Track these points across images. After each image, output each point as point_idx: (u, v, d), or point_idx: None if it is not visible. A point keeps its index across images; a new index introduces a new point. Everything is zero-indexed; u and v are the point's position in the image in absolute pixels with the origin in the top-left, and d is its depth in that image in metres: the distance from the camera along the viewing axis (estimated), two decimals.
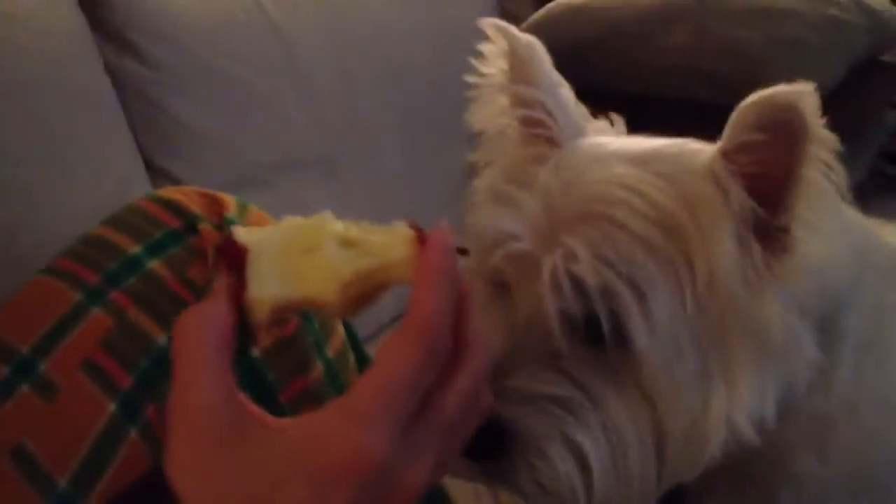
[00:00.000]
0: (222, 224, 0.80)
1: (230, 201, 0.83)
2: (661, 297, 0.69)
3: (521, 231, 0.73)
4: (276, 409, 0.76)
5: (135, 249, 0.77)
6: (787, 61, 1.59)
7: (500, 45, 0.83)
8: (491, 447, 0.68)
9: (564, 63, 1.87)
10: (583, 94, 1.89)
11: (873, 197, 1.94)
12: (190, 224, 0.79)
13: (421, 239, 0.54)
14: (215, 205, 0.82)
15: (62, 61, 1.28)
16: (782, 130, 0.67)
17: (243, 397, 0.54)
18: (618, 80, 1.80)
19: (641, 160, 0.73)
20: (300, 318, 0.79)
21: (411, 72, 1.77)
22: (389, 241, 0.54)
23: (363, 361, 0.86)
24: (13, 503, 0.67)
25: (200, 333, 0.53)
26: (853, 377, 0.79)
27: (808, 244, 0.69)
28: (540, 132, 0.81)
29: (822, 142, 0.67)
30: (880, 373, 0.81)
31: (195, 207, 0.81)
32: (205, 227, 0.79)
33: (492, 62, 0.84)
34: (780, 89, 0.67)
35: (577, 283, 0.69)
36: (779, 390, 0.73)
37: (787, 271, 0.70)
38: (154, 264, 0.77)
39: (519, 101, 0.82)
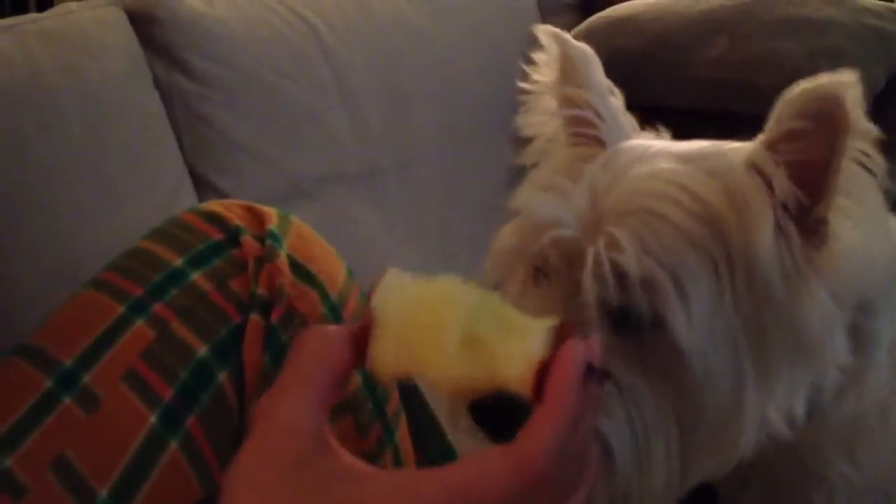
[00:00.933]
0: (264, 236, 0.82)
1: (272, 214, 0.85)
2: (701, 291, 0.70)
3: (568, 218, 0.73)
4: None
5: (177, 262, 0.79)
6: (826, 72, 1.58)
7: (552, 52, 0.85)
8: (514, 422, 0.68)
9: (610, 75, 1.87)
10: (630, 108, 1.90)
11: None
12: (232, 236, 0.81)
13: (556, 349, 0.51)
14: (257, 217, 0.83)
15: (114, 78, 1.32)
16: (824, 120, 0.68)
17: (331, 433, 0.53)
18: (662, 92, 1.80)
19: (685, 158, 0.75)
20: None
21: (456, 88, 1.79)
22: (515, 352, 0.51)
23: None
24: None
25: (317, 351, 0.53)
26: (886, 382, 0.80)
27: (846, 236, 0.70)
28: (588, 132, 0.82)
29: (863, 133, 0.68)
30: None
31: (237, 220, 0.82)
32: (246, 238, 0.81)
33: (544, 68, 0.86)
34: (824, 80, 0.69)
35: (619, 273, 0.69)
36: (809, 390, 0.74)
37: (826, 264, 0.70)
38: (196, 276, 0.78)
39: (569, 103, 0.83)
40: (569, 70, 0.84)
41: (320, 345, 0.53)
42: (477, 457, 0.49)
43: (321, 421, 0.52)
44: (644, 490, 0.71)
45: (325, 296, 0.81)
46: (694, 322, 0.69)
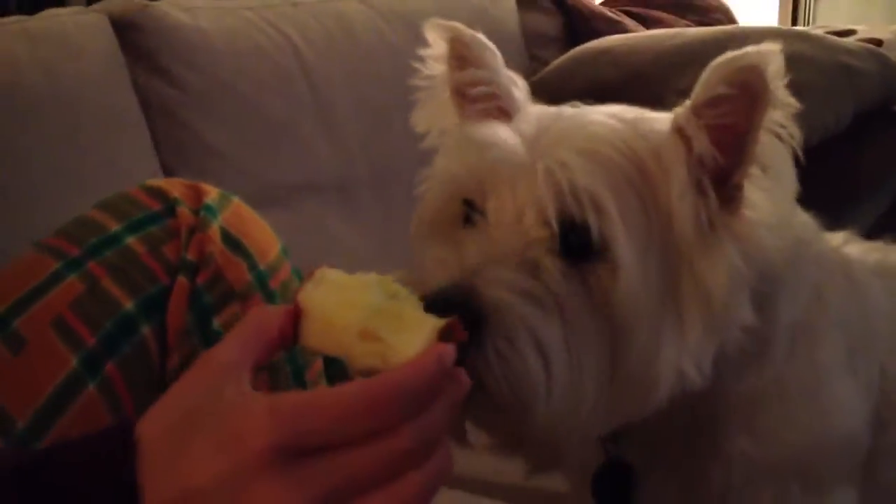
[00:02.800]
0: (200, 209, 0.86)
1: (213, 191, 0.90)
2: (638, 226, 0.73)
3: (514, 137, 0.76)
4: None
5: (115, 227, 0.84)
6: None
7: (440, 46, 0.88)
8: (470, 324, 0.66)
9: (588, 104, 1.92)
10: None
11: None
12: (170, 207, 0.86)
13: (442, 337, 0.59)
14: (196, 193, 0.88)
15: (93, 80, 1.38)
16: (745, 89, 0.72)
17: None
18: None
19: (615, 115, 0.79)
20: (262, 294, 0.85)
21: None
22: (408, 341, 0.59)
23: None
24: None
25: (256, 320, 0.60)
26: (784, 361, 0.83)
27: (759, 205, 0.74)
28: (490, 106, 0.85)
29: (782, 104, 0.73)
30: (811, 361, 0.84)
31: (175, 193, 0.87)
32: (182, 210, 0.86)
33: (434, 63, 0.88)
34: (748, 50, 0.73)
35: (571, 184, 0.72)
36: (715, 354, 0.77)
37: (739, 228, 0.74)
38: (131, 240, 0.83)
39: (467, 83, 0.86)
40: (463, 54, 0.87)
41: (259, 316, 0.60)
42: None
43: (245, 368, 0.57)
44: (573, 417, 0.72)
45: (253, 266, 0.86)
46: (632, 254, 0.72)
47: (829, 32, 2.10)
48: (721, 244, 0.75)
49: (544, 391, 0.70)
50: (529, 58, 2.15)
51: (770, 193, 0.74)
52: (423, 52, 0.88)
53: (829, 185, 1.71)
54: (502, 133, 0.78)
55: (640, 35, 2.10)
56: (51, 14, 1.42)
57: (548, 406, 0.70)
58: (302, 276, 0.92)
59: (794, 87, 1.75)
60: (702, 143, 0.74)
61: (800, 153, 0.75)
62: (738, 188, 0.75)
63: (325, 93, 1.66)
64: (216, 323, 0.83)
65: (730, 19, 2.54)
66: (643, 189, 0.75)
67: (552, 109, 0.83)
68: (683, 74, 1.82)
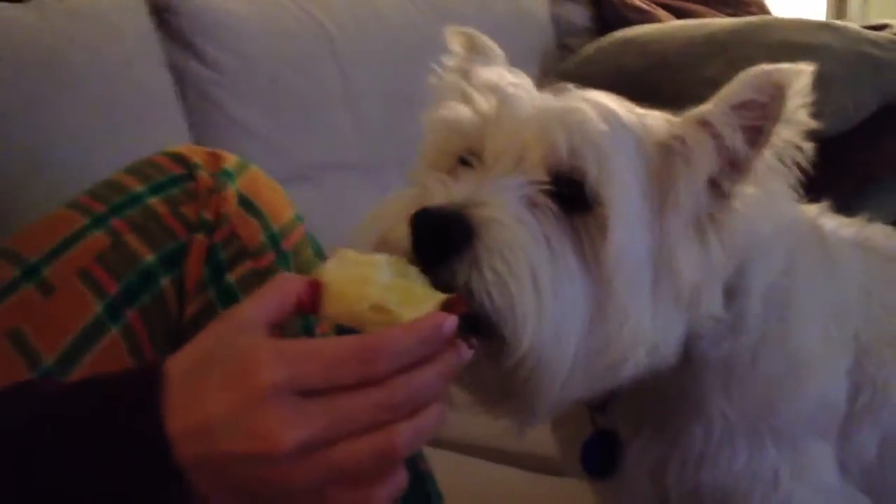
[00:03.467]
0: (218, 173, 0.92)
1: (231, 158, 0.95)
2: (631, 194, 0.77)
3: (528, 87, 0.81)
4: None
5: (139, 188, 0.90)
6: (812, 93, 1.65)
7: (457, 52, 0.93)
8: (456, 240, 0.71)
9: (614, 92, 1.96)
10: None
11: None
12: (190, 171, 0.92)
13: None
14: (216, 159, 0.94)
15: (130, 58, 1.45)
16: (770, 100, 0.77)
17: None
18: (661, 109, 1.88)
19: (625, 105, 0.83)
20: (275, 254, 0.90)
21: None
22: (415, 312, 0.64)
23: None
24: (6, 373, 0.80)
25: (278, 285, 0.65)
26: (758, 328, 0.86)
27: (748, 203, 0.79)
28: None
29: (795, 123, 0.77)
30: (787, 328, 0.88)
31: (196, 159, 0.93)
32: (202, 174, 0.91)
33: (452, 62, 0.93)
34: (780, 66, 0.78)
35: (577, 134, 0.76)
36: (688, 334, 0.82)
37: (725, 223, 0.79)
38: (153, 200, 0.89)
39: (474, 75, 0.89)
40: (475, 53, 0.92)
41: (282, 282, 0.66)
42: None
43: (260, 323, 0.63)
44: (556, 354, 0.74)
45: (266, 226, 0.91)
46: (623, 215, 0.76)
47: (863, 26, 2.12)
48: (705, 235, 0.79)
49: (534, 314, 0.72)
50: (559, 47, 2.19)
51: (762, 194, 0.79)
52: (443, 59, 0.93)
53: (849, 174, 1.74)
54: (516, 80, 0.82)
55: (667, 25, 2.13)
56: None
57: (535, 335, 0.72)
58: (319, 245, 0.97)
59: (818, 77, 1.78)
60: (737, 140, 0.78)
61: (806, 166, 0.79)
62: (736, 185, 0.79)
63: (354, 75, 1.71)
64: (230, 278, 0.88)
65: (763, 12, 2.56)
66: (642, 166, 0.79)
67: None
68: (709, 63, 1.85)
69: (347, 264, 0.67)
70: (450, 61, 0.93)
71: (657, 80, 1.90)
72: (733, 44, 1.83)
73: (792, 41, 1.76)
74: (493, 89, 0.82)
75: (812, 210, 0.95)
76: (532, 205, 0.76)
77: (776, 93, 0.78)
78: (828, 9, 3.42)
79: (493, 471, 1.30)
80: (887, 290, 0.95)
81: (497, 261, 0.71)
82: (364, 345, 0.61)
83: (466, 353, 0.64)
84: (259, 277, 0.89)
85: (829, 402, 0.92)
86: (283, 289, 0.65)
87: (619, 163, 0.77)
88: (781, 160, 0.79)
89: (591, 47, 2.05)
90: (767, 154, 0.79)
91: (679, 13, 2.36)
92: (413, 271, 0.69)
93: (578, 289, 0.75)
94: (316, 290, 0.65)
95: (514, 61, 2.05)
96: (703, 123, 0.80)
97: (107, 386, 0.64)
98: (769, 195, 0.80)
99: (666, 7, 2.40)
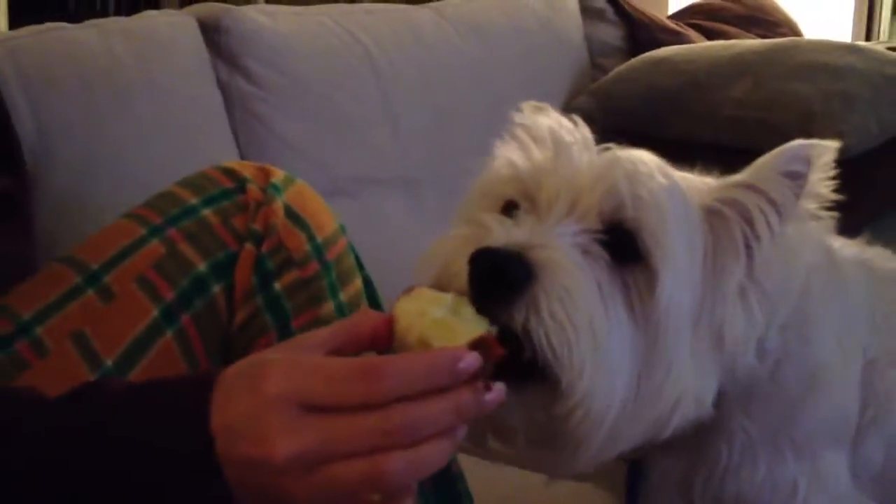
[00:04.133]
0: (267, 187, 0.99)
1: (279, 173, 1.02)
2: (681, 249, 0.80)
3: (586, 139, 0.84)
4: (288, 332, 0.94)
5: (193, 201, 0.97)
6: (836, 114, 1.70)
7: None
8: (515, 280, 0.71)
9: (644, 111, 2.02)
10: (658, 141, 2.03)
11: None
12: (241, 185, 0.98)
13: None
14: (265, 174, 1.01)
15: (181, 75, 1.52)
16: (791, 177, 0.83)
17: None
18: (690, 127, 1.94)
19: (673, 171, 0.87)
20: (319, 263, 0.97)
21: (498, 109, 1.93)
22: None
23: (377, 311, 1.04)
24: (69, 373, 0.86)
25: (354, 319, 0.69)
26: (778, 349, 0.91)
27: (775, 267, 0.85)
28: None
29: (815, 196, 0.84)
30: (806, 347, 0.92)
31: (247, 173, 1.00)
32: (252, 187, 0.98)
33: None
34: (804, 143, 0.84)
35: (633, 184, 0.79)
36: (718, 383, 0.86)
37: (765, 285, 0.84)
38: (206, 212, 0.96)
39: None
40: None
41: (360, 315, 0.70)
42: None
43: (323, 348, 0.67)
44: (606, 405, 0.76)
45: (311, 237, 0.97)
46: (672, 269, 0.79)
47: (888, 48, 2.16)
48: (747, 295, 0.84)
49: (590, 361, 0.73)
50: (593, 66, 2.25)
51: (797, 245, 0.85)
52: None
53: (872, 193, 1.78)
54: (574, 131, 0.85)
55: (696, 45, 2.18)
56: (145, 15, 1.57)
57: (589, 382, 0.73)
58: (359, 256, 1.04)
59: (843, 98, 1.83)
60: (790, 204, 0.83)
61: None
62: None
63: (394, 93, 1.78)
64: (277, 286, 0.95)
65: (795, 34, 2.60)
66: (693, 225, 0.82)
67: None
68: (736, 83, 1.90)
69: (416, 299, 0.69)
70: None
71: (687, 98, 1.95)
72: (760, 64, 1.88)
73: (817, 62, 1.81)
74: (551, 135, 0.84)
75: (818, 228, 1.01)
76: (585, 252, 0.77)
77: (808, 164, 0.83)
78: (854, 30, 3.45)
79: (518, 476, 1.34)
80: (888, 308, 1.00)
81: (556, 304, 0.72)
82: (369, 364, 0.63)
83: (489, 396, 0.63)
84: (304, 286, 0.95)
85: (845, 412, 0.96)
86: (357, 320, 0.69)
87: (676, 216, 0.80)
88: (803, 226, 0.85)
89: (623, 67, 2.10)
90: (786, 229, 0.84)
91: (710, 34, 2.41)
92: (468, 311, 0.70)
93: (628, 339, 0.77)
94: (389, 324, 0.68)
95: (548, 80, 2.13)
96: (757, 189, 0.83)
97: (166, 387, 0.68)
98: (800, 238, 0.86)
99: (697, 28, 2.45)
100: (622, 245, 0.79)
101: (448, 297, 0.70)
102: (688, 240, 0.82)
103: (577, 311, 0.73)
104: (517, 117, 0.94)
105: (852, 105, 1.72)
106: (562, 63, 2.16)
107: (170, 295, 0.92)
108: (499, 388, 0.63)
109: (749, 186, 0.84)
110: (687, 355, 0.81)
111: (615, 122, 2.03)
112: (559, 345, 0.72)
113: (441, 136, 1.85)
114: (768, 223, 0.83)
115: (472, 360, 0.62)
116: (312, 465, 0.61)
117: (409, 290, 0.70)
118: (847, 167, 1.72)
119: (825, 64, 1.80)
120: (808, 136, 0.87)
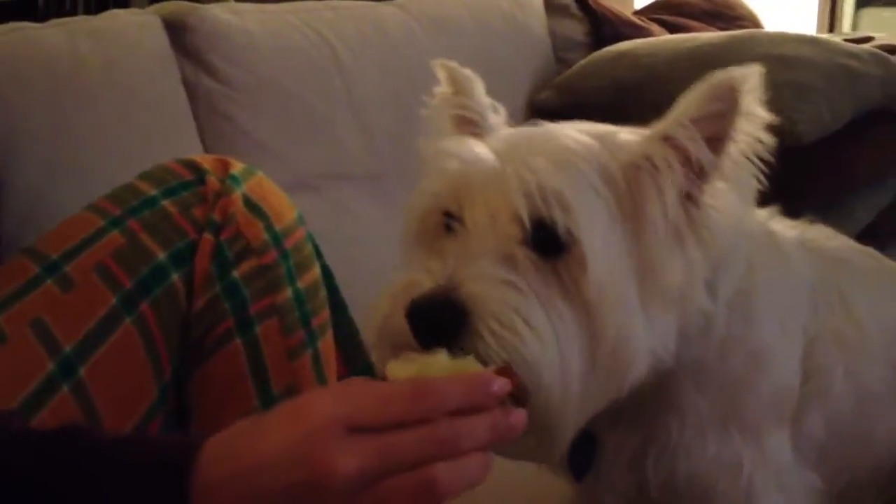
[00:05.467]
0: (226, 178, 1.01)
1: (238, 165, 1.04)
2: (601, 224, 0.83)
3: (485, 150, 0.87)
4: (246, 318, 0.96)
5: (153, 192, 0.99)
6: (787, 103, 1.74)
7: (443, 82, 1.02)
8: (450, 323, 0.77)
9: (606, 104, 2.05)
10: None
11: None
12: (200, 177, 1.01)
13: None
14: (224, 165, 1.03)
15: (146, 74, 1.54)
16: (725, 104, 0.85)
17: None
18: (652, 119, 1.97)
19: (587, 131, 0.90)
20: (277, 252, 0.99)
21: None
22: None
23: (335, 301, 1.06)
24: (29, 359, 0.89)
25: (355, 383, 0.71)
26: (724, 328, 0.94)
27: (722, 206, 0.86)
28: (474, 129, 0.99)
29: (753, 116, 0.85)
30: (749, 326, 0.96)
31: (206, 165, 1.02)
32: (211, 178, 1.01)
33: (439, 94, 1.03)
34: (729, 73, 0.85)
35: (540, 186, 0.81)
36: (676, 331, 0.89)
37: (701, 229, 0.86)
38: (165, 203, 0.99)
39: (457, 108, 1.00)
40: (457, 87, 1.01)
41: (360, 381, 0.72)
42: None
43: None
44: (564, 393, 0.80)
45: (269, 226, 1.00)
46: (597, 248, 0.82)
47: (846, 39, 2.20)
48: (684, 243, 0.86)
49: (539, 360, 0.78)
50: (557, 61, 2.28)
51: (734, 196, 0.86)
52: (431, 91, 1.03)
53: (828, 179, 1.82)
54: (475, 147, 0.88)
55: (657, 39, 2.22)
56: (111, 14, 1.59)
57: (545, 381, 0.78)
58: (317, 246, 1.06)
59: (796, 87, 1.87)
60: (701, 150, 0.85)
61: (770, 158, 0.86)
62: (707, 192, 0.86)
63: (359, 89, 1.80)
64: (235, 273, 0.98)
65: (756, 27, 2.65)
66: (608, 193, 0.85)
67: (523, 128, 0.94)
68: (695, 75, 1.93)
69: (410, 361, 0.74)
70: (436, 93, 1.02)
71: (648, 90, 1.98)
72: (718, 56, 1.91)
73: (774, 54, 1.84)
74: (457, 158, 0.88)
75: (762, 213, 1.04)
76: (512, 259, 0.82)
77: (731, 96, 0.84)
78: (818, 24, 3.50)
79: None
80: (829, 287, 1.03)
81: (494, 324, 0.77)
82: (415, 385, 0.67)
83: (515, 418, 0.69)
84: (262, 273, 0.98)
85: (786, 390, 1.00)
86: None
87: (582, 201, 0.83)
88: (745, 155, 0.86)
89: (586, 61, 2.14)
90: (733, 150, 0.85)
91: (672, 28, 2.45)
92: (473, 363, 0.74)
93: (571, 326, 0.81)
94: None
95: (512, 75, 2.15)
96: (666, 138, 0.86)
97: (145, 445, 0.70)
98: (738, 188, 0.87)
99: (660, 23, 2.49)
100: (548, 238, 0.83)
101: (444, 356, 0.75)
102: (606, 211, 0.84)
103: (513, 321, 0.78)
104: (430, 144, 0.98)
105: (805, 94, 1.76)
106: (526, 58, 2.19)
107: (129, 283, 0.94)
108: (521, 412, 0.70)
109: (663, 137, 0.86)
110: (634, 314, 0.84)
111: (579, 116, 2.05)
112: (510, 353, 0.77)
113: (406, 131, 1.86)
114: (676, 171, 0.85)
115: (503, 383, 0.69)
116: (370, 482, 0.64)
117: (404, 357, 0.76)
118: (803, 154, 1.76)
119: (780, 55, 1.84)
120: None
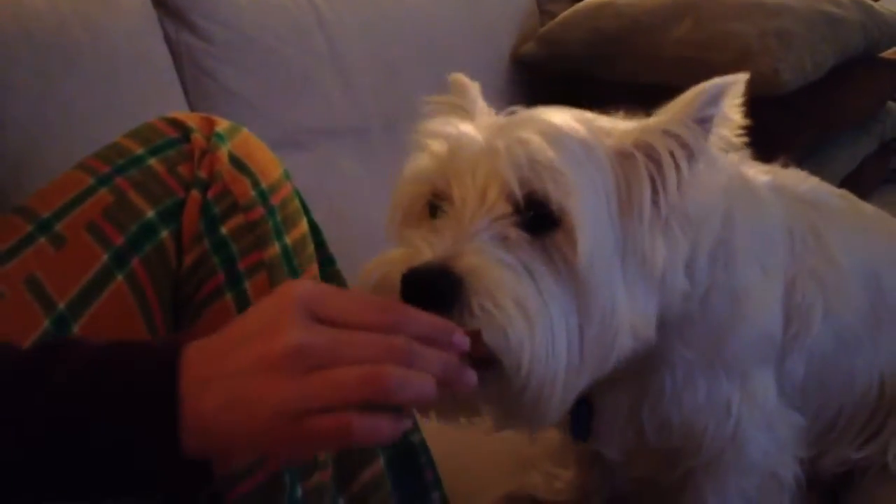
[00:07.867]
0: (211, 136, 1.02)
1: (224, 122, 1.05)
2: (591, 200, 0.85)
3: (473, 129, 0.89)
4: (235, 274, 0.98)
5: (139, 150, 1.00)
6: (772, 51, 1.75)
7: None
8: (445, 292, 0.79)
9: (589, 55, 2.05)
10: (605, 84, 2.05)
11: (879, 188, 2.07)
12: (186, 134, 1.02)
13: None
14: (209, 123, 1.04)
15: (128, 33, 1.54)
16: (704, 121, 0.88)
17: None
18: (634, 69, 1.98)
19: (574, 116, 0.91)
20: (264, 208, 1.00)
21: (446, 59, 1.97)
22: None
23: (323, 256, 1.08)
24: (24, 316, 0.90)
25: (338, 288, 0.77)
26: (706, 278, 0.96)
27: (700, 189, 0.90)
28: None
29: (730, 124, 0.88)
30: (729, 270, 0.98)
31: (191, 123, 1.03)
32: (196, 136, 1.01)
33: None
34: (716, 85, 0.88)
35: (527, 159, 0.83)
36: (657, 310, 0.91)
37: (683, 210, 0.89)
38: (152, 161, 0.99)
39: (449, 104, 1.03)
40: (455, 91, 1.05)
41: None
42: None
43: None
44: (553, 369, 0.82)
45: (255, 183, 1.01)
46: (587, 223, 0.84)
47: None
48: (669, 226, 0.89)
49: (527, 338, 0.79)
50: (540, 13, 2.28)
51: (711, 172, 0.89)
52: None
53: (809, 127, 1.83)
54: (461, 126, 0.90)
55: None
56: None
57: (531, 356, 0.80)
58: (304, 201, 1.07)
59: (778, 35, 1.87)
60: (700, 146, 0.88)
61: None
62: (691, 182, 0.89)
63: (341, 45, 1.80)
64: (223, 230, 0.99)
65: None
66: (595, 172, 0.87)
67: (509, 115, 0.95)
68: (678, 24, 1.94)
69: None
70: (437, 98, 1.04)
71: (630, 41, 1.99)
72: (699, 5, 1.92)
73: (754, 1, 1.85)
74: (444, 138, 0.90)
75: (734, 158, 1.05)
76: (504, 238, 0.84)
77: (719, 102, 0.88)
78: None
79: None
80: (805, 228, 1.05)
81: (485, 301, 0.79)
82: (386, 300, 0.72)
83: (469, 374, 0.72)
84: (250, 229, 0.99)
85: (770, 332, 1.02)
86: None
87: (574, 177, 0.84)
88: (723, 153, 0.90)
89: (569, 12, 2.13)
90: (712, 143, 0.89)
91: None
92: None
93: (560, 303, 0.83)
94: None
95: (496, 28, 2.15)
96: (668, 133, 0.88)
97: (133, 349, 0.74)
98: (713, 171, 0.90)
99: None
100: (540, 216, 0.84)
101: None
102: (597, 190, 0.86)
103: (504, 298, 0.79)
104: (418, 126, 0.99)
105: (789, 42, 1.77)
106: (509, 11, 2.19)
107: (119, 240, 0.95)
108: (474, 374, 0.73)
109: (667, 133, 0.88)
110: (620, 292, 0.87)
111: (562, 68, 2.07)
112: (496, 334, 0.79)
113: (390, 86, 1.88)
114: (677, 165, 0.88)
115: (465, 340, 0.73)
116: (314, 364, 0.68)
117: None
118: (784, 102, 1.77)
119: (762, 3, 1.84)
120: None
